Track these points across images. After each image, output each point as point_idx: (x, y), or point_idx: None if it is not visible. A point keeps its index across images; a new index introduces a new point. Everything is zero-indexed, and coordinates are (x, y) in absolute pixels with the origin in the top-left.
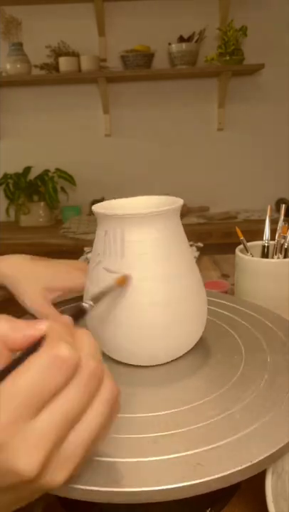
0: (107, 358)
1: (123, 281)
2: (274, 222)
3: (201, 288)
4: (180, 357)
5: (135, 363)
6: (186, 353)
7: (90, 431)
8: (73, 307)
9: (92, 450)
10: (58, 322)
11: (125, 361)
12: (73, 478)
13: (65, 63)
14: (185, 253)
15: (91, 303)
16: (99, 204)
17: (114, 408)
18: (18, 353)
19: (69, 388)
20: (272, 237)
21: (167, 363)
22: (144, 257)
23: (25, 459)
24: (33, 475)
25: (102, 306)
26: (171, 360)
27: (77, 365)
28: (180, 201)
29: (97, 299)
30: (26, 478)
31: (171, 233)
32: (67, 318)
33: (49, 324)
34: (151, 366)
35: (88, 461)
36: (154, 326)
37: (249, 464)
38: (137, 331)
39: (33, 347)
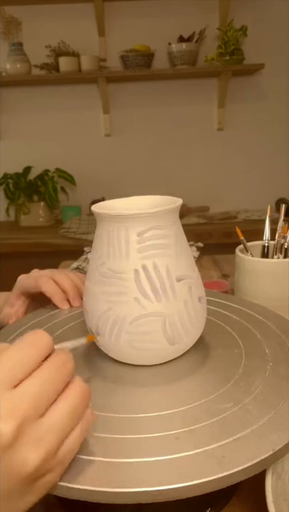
0: (108, 358)
1: (91, 339)
2: (274, 222)
3: (201, 286)
4: (180, 357)
5: (138, 363)
6: (186, 353)
7: (62, 412)
8: None
9: (69, 438)
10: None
11: (129, 362)
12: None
13: (65, 63)
14: (187, 251)
15: None
16: (98, 204)
17: (84, 402)
18: None
19: (43, 368)
20: (272, 237)
21: (166, 362)
22: (149, 256)
23: (2, 425)
24: (9, 438)
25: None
26: (171, 360)
27: (51, 348)
28: (179, 200)
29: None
30: (4, 442)
31: (174, 232)
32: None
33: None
34: (152, 366)
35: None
36: (156, 325)
37: (249, 464)
38: (140, 330)
39: None
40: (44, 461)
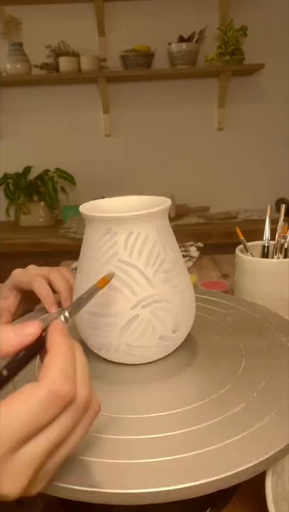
0: (96, 357)
1: (105, 283)
2: (274, 222)
3: (190, 285)
4: (178, 356)
5: (128, 362)
6: (185, 353)
7: (66, 450)
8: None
9: (53, 458)
10: (56, 327)
11: (117, 361)
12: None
13: (65, 63)
14: (177, 249)
15: (66, 315)
16: (86, 206)
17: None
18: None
19: (60, 420)
20: (272, 237)
21: (163, 361)
22: (151, 255)
23: (9, 486)
24: (15, 497)
25: (95, 307)
26: (165, 357)
27: (72, 399)
28: (168, 200)
29: (76, 308)
30: (10, 499)
31: (169, 230)
32: (60, 322)
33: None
34: (142, 364)
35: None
36: (147, 324)
37: (249, 465)
38: (128, 329)
39: (36, 344)
40: (22, 492)
